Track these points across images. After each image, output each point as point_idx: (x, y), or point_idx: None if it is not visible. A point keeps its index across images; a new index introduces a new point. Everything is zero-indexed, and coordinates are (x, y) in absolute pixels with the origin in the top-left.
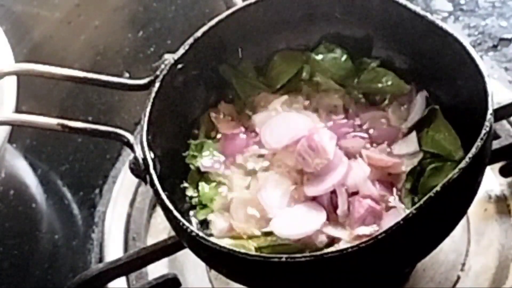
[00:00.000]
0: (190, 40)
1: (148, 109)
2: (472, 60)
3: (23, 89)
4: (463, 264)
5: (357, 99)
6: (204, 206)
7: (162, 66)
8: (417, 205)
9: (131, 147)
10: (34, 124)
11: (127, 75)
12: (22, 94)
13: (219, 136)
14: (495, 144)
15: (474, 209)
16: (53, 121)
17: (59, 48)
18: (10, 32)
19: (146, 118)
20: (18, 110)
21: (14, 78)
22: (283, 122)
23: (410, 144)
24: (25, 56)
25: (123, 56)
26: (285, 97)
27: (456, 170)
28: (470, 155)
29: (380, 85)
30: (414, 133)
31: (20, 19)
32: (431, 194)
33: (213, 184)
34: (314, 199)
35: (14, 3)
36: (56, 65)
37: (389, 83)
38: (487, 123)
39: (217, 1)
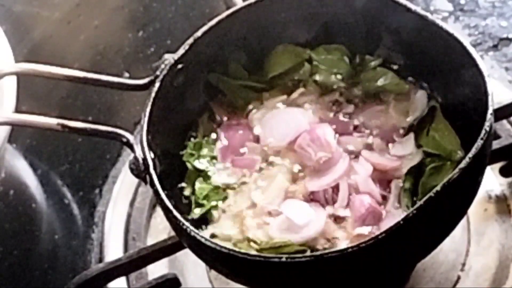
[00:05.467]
0: (190, 40)
1: (148, 109)
2: (473, 60)
3: (23, 89)
4: (463, 264)
5: (357, 97)
6: (200, 205)
7: (162, 66)
8: (417, 205)
9: (131, 147)
10: (34, 124)
11: (127, 75)
12: (22, 94)
13: (215, 136)
14: (495, 144)
15: (474, 209)
16: (53, 121)
17: (59, 48)
18: (10, 32)
19: (146, 118)
20: (18, 110)
21: (14, 78)
22: (283, 119)
23: (407, 146)
24: (25, 56)
25: (123, 56)
26: (284, 97)
27: (456, 170)
28: (470, 155)
29: (379, 84)
30: (411, 135)
31: (20, 19)
32: (431, 194)
33: (209, 182)
34: (313, 199)
35: (14, 3)
36: (56, 65)
37: (389, 82)
38: (487, 123)
39: (217, 1)
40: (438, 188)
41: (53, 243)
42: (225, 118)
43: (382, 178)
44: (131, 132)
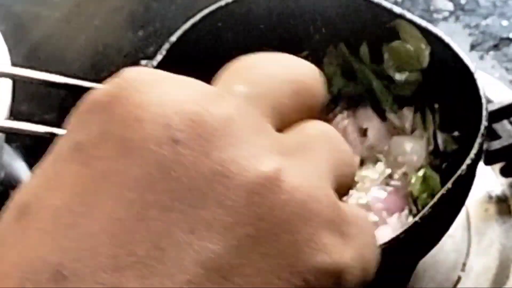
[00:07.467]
0: (166, 46)
1: None
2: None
3: (22, 89)
4: (464, 264)
5: None
6: None
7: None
8: (420, 214)
9: None
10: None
11: None
12: (21, 95)
13: None
14: (496, 144)
15: (475, 209)
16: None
17: (59, 47)
18: (10, 32)
19: None
20: (16, 111)
21: (9, 83)
22: None
23: None
24: (24, 56)
25: (123, 56)
26: None
27: (463, 167)
28: (474, 150)
29: None
30: None
31: (20, 19)
32: (439, 195)
33: None
34: None
35: (14, 3)
36: (56, 65)
37: None
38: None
39: (217, 1)
40: (443, 190)
41: None
42: None
43: None
44: None
